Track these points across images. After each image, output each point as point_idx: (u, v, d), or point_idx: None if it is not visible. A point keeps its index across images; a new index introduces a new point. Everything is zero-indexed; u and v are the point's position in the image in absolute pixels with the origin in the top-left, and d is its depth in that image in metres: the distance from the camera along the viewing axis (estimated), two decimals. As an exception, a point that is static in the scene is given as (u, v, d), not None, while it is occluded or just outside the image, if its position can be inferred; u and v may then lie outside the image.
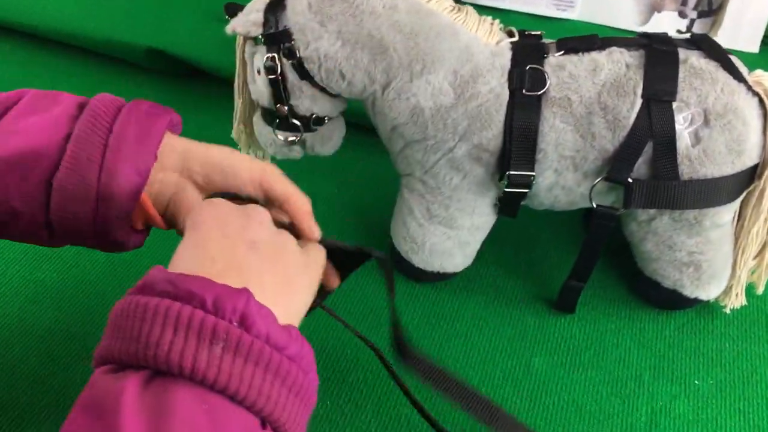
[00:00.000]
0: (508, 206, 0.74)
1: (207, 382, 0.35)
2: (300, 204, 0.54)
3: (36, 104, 0.53)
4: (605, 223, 0.71)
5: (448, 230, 0.76)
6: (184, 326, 0.36)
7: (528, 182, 0.70)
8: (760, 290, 0.77)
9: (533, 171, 0.69)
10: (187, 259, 0.43)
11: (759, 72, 0.70)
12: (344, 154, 0.81)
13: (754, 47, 1.03)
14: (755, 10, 1.02)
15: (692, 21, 1.04)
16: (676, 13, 1.05)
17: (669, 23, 1.05)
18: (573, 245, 0.86)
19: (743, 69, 0.69)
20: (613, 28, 1.07)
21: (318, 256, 0.52)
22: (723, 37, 1.04)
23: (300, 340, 0.40)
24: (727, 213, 0.71)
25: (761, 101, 0.67)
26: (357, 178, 0.96)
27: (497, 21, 0.72)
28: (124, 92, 1.07)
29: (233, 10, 1.05)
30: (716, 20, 1.04)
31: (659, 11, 1.05)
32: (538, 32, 0.73)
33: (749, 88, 0.67)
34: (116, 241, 0.53)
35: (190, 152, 0.55)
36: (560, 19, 1.09)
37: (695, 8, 1.04)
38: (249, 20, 0.68)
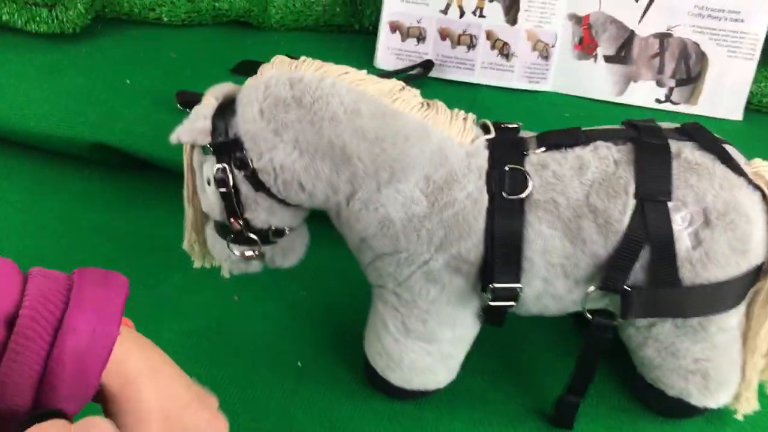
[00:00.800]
0: (493, 318, 0.67)
1: None
2: None
3: None
4: (602, 336, 0.64)
5: (427, 345, 0.68)
6: None
7: (514, 294, 0.62)
8: (773, 391, 0.71)
9: (519, 282, 0.62)
10: None
11: (757, 162, 0.64)
12: (313, 250, 0.73)
13: (737, 114, 0.99)
14: (736, 75, 0.98)
15: (671, 89, 1.00)
16: (654, 82, 1.00)
17: (646, 93, 1.01)
18: (564, 344, 0.79)
19: (740, 158, 0.63)
20: (588, 99, 1.02)
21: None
22: (704, 105, 0.99)
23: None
24: (734, 316, 0.64)
25: (763, 195, 0.61)
26: (328, 277, 0.88)
27: (471, 115, 0.66)
28: (73, 188, 0.99)
29: (185, 98, 0.98)
30: (696, 88, 0.99)
31: (635, 81, 1.00)
32: (515, 124, 0.66)
33: (749, 181, 0.61)
34: None
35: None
36: (533, 92, 1.03)
37: (673, 76, 0.99)
38: (195, 128, 0.61)
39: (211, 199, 0.64)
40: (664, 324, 0.64)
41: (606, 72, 1.01)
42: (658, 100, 1.00)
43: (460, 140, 0.62)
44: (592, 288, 0.63)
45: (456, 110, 0.66)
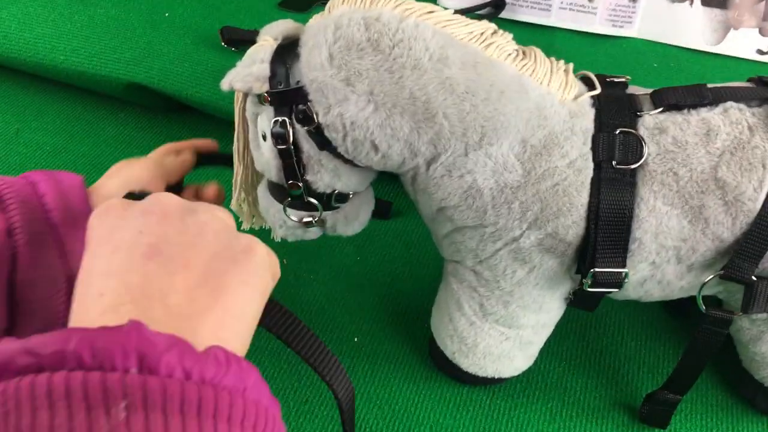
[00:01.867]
0: (585, 302, 0.58)
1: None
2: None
3: None
4: (717, 330, 0.55)
5: (507, 330, 0.60)
6: (62, 398, 0.25)
7: (618, 281, 0.53)
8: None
9: (625, 267, 0.53)
10: (74, 303, 0.31)
11: None
12: None
13: None
14: None
15: (776, 39, 0.88)
16: (757, 30, 0.88)
17: (747, 42, 0.89)
18: (650, 328, 0.71)
19: None
20: (679, 48, 0.90)
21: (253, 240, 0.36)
22: (814, 59, 0.87)
23: (236, 361, 0.29)
24: None
25: None
26: (385, 240, 0.79)
27: (571, 65, 0.55)
28: (106, 132, 0.91)
29: (231, 36, 0.89)
30: (806, 39, 0.87)
31: (736, 28, 0.88)
32: (623, 78, 0.56)
33: None
34: None
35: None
36: (616, 37, 0.92)
37: (780, 24, 0.87)
38: (251, 73, 0.52)
39: (266, 157, 0.55)
40: (787, 319, 0.55)
41: (703, 17, 0.89)
42: (760, 51, 0.88)
43: (562, 97, 0.52)
44: (710, 276, 0.53)
45: (554, 59, 0.55)
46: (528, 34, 0.92)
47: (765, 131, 0.51)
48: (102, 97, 0.95)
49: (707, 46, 0.89)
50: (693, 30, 0.89)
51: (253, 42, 0.56)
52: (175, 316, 0.30)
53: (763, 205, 0.50)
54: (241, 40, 0.88)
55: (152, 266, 0.32)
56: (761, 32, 0.88)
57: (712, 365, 0.67)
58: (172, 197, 0.36)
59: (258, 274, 0.35)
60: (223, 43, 0.87)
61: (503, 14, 0.93)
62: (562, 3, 0.91)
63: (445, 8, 0.91)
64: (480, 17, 0.91)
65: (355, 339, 0.70)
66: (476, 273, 0.57)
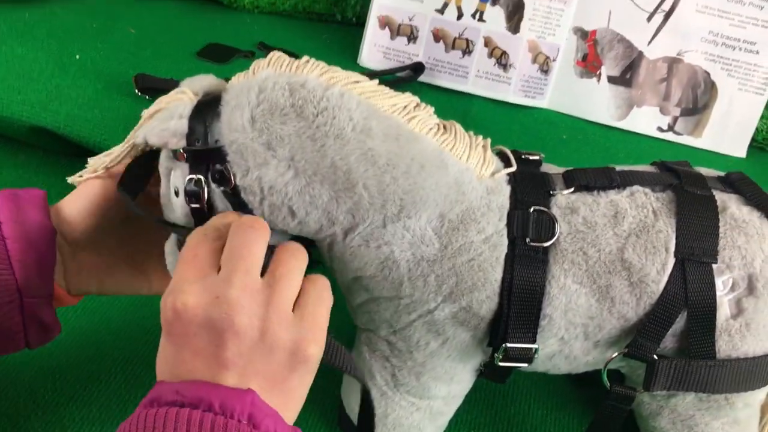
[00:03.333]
0: (496, 375, 0.59)
1: None
2: None
3: None
4: (621, 407, 0.56)
5: (418, 401, 0.60)
6: (197, 428, 0.38)
7: (529, 356, 0.54)
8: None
9: (535, 342, 0.54)
10: (171, 364, 0.43)
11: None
12: None
13: (740, 152, 0.93)
14: (743, 111, 0.92)
15: (675, 118, 0.93)
16: (658, 109, 0.93)
17: (649, 120, 0.94)
18: (557, 397, 0.72)
19: (786, 214, 0.56)
20: (586, 121, 0.95)
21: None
22: (708, 139, 0.93)
23: None
24: (762, 392, 0.58)
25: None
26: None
27: (488, 141, 0.57)
28: (5, 176, 0.87)
29: (146, 83, 0.86)
30: (701, 119, 0.93)
31: (639, 106, 0.93)
32: (537, 155, 0.58)
33: (800, 245, 0.54)
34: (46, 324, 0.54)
35: None
36: (528, 108, 0.95)
37: (678, 105, 0.93)
38: (168, 128, 0.50)
39: (177, 213, 0.53)
40: (686, 395, 0.57)
41: (608, 93, 0.93)
42: (660, 129, 0.94)
43: (480, 173, 0.53)
44: (615, 353, 0.55)
45: (473, 134, 0.57)
46: (446, 99, 0.94)
47: (668, 216, 0.53)
48: (1, 139, 0.90)
49: (612, 121, 0.94)
50: (599, 105, 0.94)
51: (167, 91, 0.54)
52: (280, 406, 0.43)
53: (665, 287, 0.52)
54: (156, 89, 0.85)
55: (264, 352, 0.42)
56: (662, 111, 0.93)
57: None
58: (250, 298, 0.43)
59: (311, 372, 0.45)
60: (137, 91, 0.85)
61: (422, 78, 0.95)
62: (478, 71, 0.94)
63: (365, 67, 0.92)
64: (398, 79, 0.94)
65: None
66: (390, 343, 0.57)
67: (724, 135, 0.93)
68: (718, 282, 0.53)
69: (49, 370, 0.68)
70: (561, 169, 0.57)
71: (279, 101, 0.48)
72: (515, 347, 0.53)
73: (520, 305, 0.52)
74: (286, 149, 0.48)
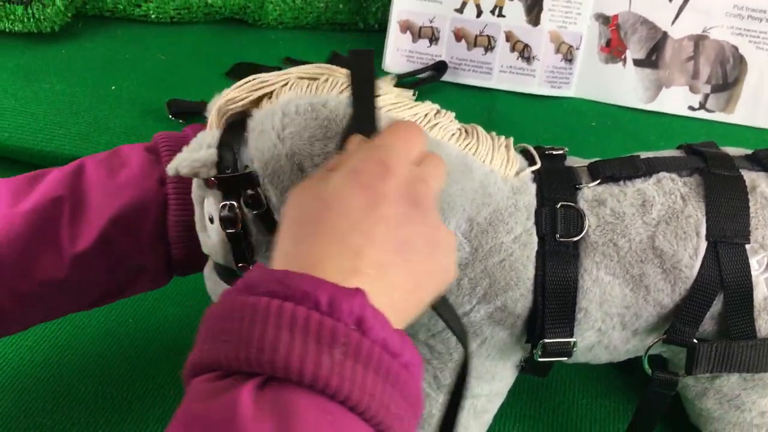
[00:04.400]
0: (537, 370, 0.60)
1: (329, 390, 0.32)
2: None
3: (108, 165, 0.59)
4: (664, 392, 0.57)
5: (462, 400, 0.61)
6: (301, 329, 0.32)
7: (567, 350, 0.55)
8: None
9: (573, 336, 0.54)
10: (292, 254, 0.38)
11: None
12: None
13: (776, 124, 0.92)
14: (776, 83, 0.90)
15: (706, 96, 0.92)
16: (687, 88, 0.92)
17: (679, 100, 0.93)
18: (601, 385, 0.72)
19: (817, 189, 0.56)
20: (615, 106, 0.94)
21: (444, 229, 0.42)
22: (741, 114, 0.92)
23: (411, 347, 0.36)
24: (809, 366, 0.57)
25: None
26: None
27: (510, 140, 0.57)
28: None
29: (179, 108, 0.89)
30: (732, 95, 0.92)
31: (667, 86, 0.93)
32: (561, 150, 0.58)
33: (832, 216, 0.54)
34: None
35: None
36: (555, 98, 0.95)
37: (708, 82, 0.92)
38: (198, 159, 0.52)
39: (213, 240, 0.55)
40: (730, 376, 0.57)
41: (635, 77, 0.93)
42: (691, 108, 0.93)
43: (505, 173, 0.54)
44: (654, 340, 0.55)
45: (495, 135, 0.57)
46: (470, 95, 0.95)
47: (697, 200, 0.53)
48: (48, 172, 0.94)
49: (641, 104, 0.93)
50: (627, 89, 0.93)
51: (200, 113, 0.56)
52: (388, 307, 0.35)
53: (699, 272, 0.52)
54: (188, 112, 0.88)
55: (396, 258, 0.38)
56: (691, 90, 0.92)
57: (662, 421, 0.68)
58: (400, 156, 0.40)
59: (444, 272, 0.41)
60: (170, 116, 0.88)
61: (446, 77, 0.96)
62: (502, 66, 0.94)
63: (389, 72, 0.94)
64: (422, 80, 0.95)
65: None
66: (429, 346, 0.58)
67: (758, 108, 0.91)
68: (753, 262, 0.53)
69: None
70: (585, 162, 0.57)
71: (303, 123, 0.50)
72: (553, 342, 0.54)
73: (554, 301, 0.53)
74: (316, 169, 0.50)
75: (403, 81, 0.93)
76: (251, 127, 0.52)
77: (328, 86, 0.52)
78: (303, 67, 0.54)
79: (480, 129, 0.56)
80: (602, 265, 0.53)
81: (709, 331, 0.55)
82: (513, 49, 0.94)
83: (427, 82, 0.95)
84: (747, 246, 0.52)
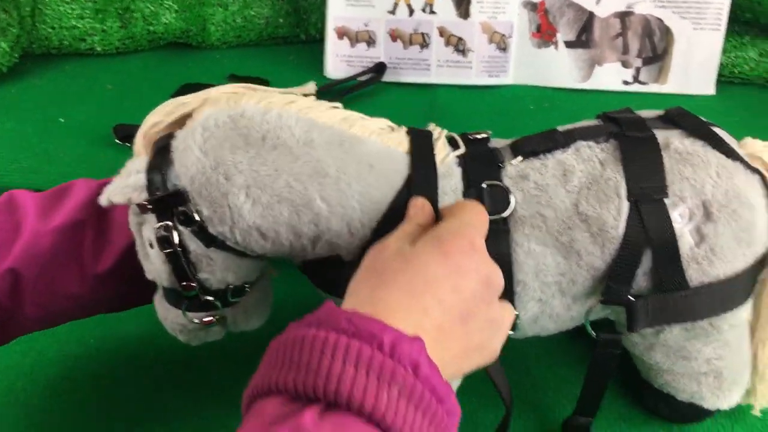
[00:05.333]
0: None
1: (384, 424, 0.35)
2: None
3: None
4: (611, 352, 0.59)
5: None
6: (365, 365, 0.36)
7: (512, 323, 0.57)
8: (789, 377, 0.66)
9: (515, 309, 0.56)
10: (366, 298, 0.43)
11: (749, 141, 0.59)
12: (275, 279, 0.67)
13: (709, 89, 0.95)
14: (704, 48, 0.93)
15: (638, 69, 0.95)
16: (619, 64, 0.95)
17: (612, 75, 0.96)
18: (558, 354, 0.74)
19: (732, 141, 0.58)
20: (552, 88, 0.97)
21: (508, 314, 0.48)
22: (674, 83, 0.95)
23: (454, 397, 0.40)
24: (744, 310, 0.60)
25: (762, 177, 0.56)
26: (292, 310, 0.81)
27: (438, 129, 0.60)
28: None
29: (125, 132, 0.91)
30: (663, 66, 0.95)
31: (600, 64, 0.96)
32: (484, 134, 0.60)
33: (747, 165, 0.56)
34: None
35: None
36: (494, 86, 0.98)
37: (638, 56, 0.95)
38: (128, 185, 0.53)
39: (156, 264, 0.56)
40: (672, 328, 0.59)
41: (568, 58, 0.96)
42: (625, 82, 0.96)
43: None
44: (592, 303, 0.57)
45: (435, 127, 0.60)
46: (411, 93, 0.97)
47: (614, 164, 0.55)
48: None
49: (577, 84, 0.96)
50: (562, 71, 0.96)
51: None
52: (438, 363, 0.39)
53: (625, 231, 0.55)
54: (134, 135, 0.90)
55: (457, 328, 0.43)
56: (624, 65, 0.95)
57: (614, 379, 0.71)
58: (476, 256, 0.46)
59: (498, 346, 0.47)
60: (117, 140, 0.89)
61: (387, 77, 0.98)
62: (439, 61, 0.97)
63: (331, 78, 0.96)
64: (364, 83, 0.97)
65: None
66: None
67: (689, 76, 0.94)
68: (675, 215, 0.55)
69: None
70: (508, 141, 0.59)
71: (223, 134, 0.51)
72: (495, 316, 0.56)
73: None
74: (241, 178, 0.51)
75: (346, 85, 0.96)
76: (175, 146, 0.52)
77: (245, 99, 0.53)
78: (222, 87, 0.56)
79: (404, 128, 0.58)
80: (532, 237, 0.55)
81: (645, 287, 0.57)
82: (447, 44, 0.96)
83: (369, 84, 0.98)
84: (666, 201, 0.55)
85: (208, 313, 0.57)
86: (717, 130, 0.58)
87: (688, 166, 0.55)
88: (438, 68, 0.97)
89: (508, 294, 0.56)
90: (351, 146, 0.53)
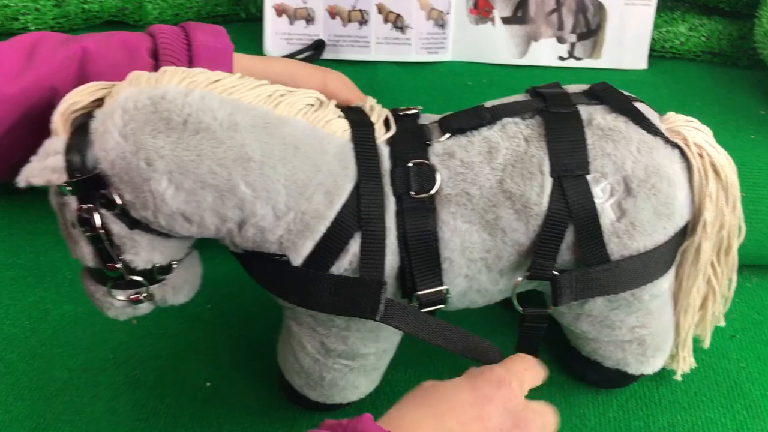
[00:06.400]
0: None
1: None
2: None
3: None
4: (538, 325, 0.60)
5: (351, 362, 0.63)
6: None
7: (442, 298, 0.58)
8: (707, 344, 0.69)
9: (443, 285, 0.57)
10: (402, 418, 0.47)
11: (671, 116, 0.61)
12: (213, 258, 0.67)
13: (641, 63, 0.96)
14: (636, 24, 0.95)
15: (572, 45, 0.96)
16: (555, 39, 0.96)
17: (548, 51, 0.97)
18: (491, 323, 0.76)
19: (653, 115, 0.60)
20: (490, 64, 0.98)
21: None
22: (607, 58, 0.96)
23: None
24: (665, 280, 0.62)
25: (682, 152, 0.58)
26: (233, 286, 0.82)
27: (378, 109, 0.60)
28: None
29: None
30: (597, 41, 0.96)
31: (536, 40, 0.96)
32: (414, 109, 0.61)
33: (666, 140, 0.58)
34: None
35: (251, 69, 0.61)
36: (433, 63, 0.98)
37: (573, 31, 0.96)
38: (46, 167, 0.51)
39: (80, 245, 0.55)
40: (596, 300, 0.61)
41: (505, 34, 0.96)
42: (561, 58, 0.97)
43: (362, 140, 0.56)
44: (519, 278, 0.59)
45: (374, 104, 0.60)
46: (351, 70, 0.95)
47: (539, 140, 0.57)
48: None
49: (514, 60, 0.97)
50: (499, 46, 0.97)
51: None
52: None
53: (549, 207, 0.56)
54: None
55: None
56: (559, 40, 0.96)
57: (544, 348, 0.72)
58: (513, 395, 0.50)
59: None
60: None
61: (327, 55, 0.98)
62: (378, 38, 0.96)
63: (269, 55, 0.94)
64: (303, 60, 0.96)
65: (207, 384, 0.72)
66: (312, 315, 0.60)
67: (623, 51, 0.96)
68: (597, 190, 0.56)
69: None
70: (437, 117, 0.60)
71: (144, 117, 0.50)
72: (426, 293, 0.57)
73: (419, 255, 0.56)
74: (163, 163, 0.50)
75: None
76: (94, 128, 0.51)
77: (166, 78, 0.52)
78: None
79: (334, 102, 0.58)
80: (458, 214, 0.56)
81: (568, 261, 0.58)
82: (386, 21, 0.96)
83: (309, 61, 0.97)
84: (588, 177, 0.56)
85: (134, 291, 0.57)
86: (640, 105, 0.60)
87: (610, 142, 0.56)
88: (377, 45, 0.97)
89: (436, 270, 0.57)
90: (276, 128, 0.53)
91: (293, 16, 0.97)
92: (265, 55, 0.98)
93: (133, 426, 0.68)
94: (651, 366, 0.68)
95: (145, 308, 0.60)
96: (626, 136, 0.57)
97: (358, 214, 0.55)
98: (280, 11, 0.97)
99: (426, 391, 0.50)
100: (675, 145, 0.58)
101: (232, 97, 0.52)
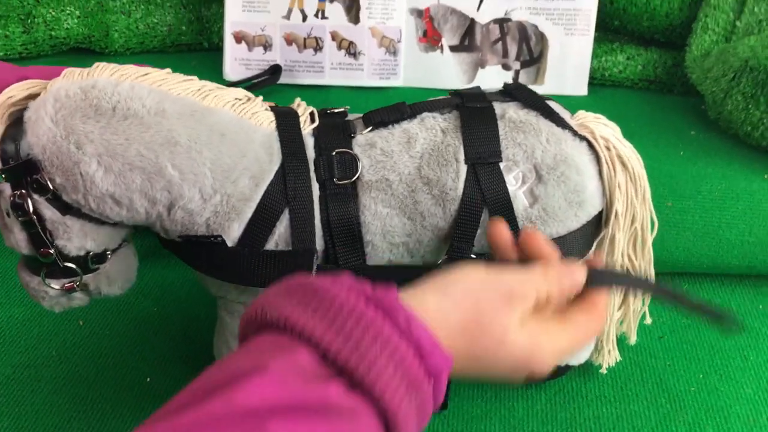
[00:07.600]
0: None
1: (393, 426, 0.36)
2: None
3: None
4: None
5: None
6: (403, 371, 0.37)
7: None
8: (633, 340, 0.71)
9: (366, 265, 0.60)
10: (436, 311, 0.42)
11: (581, 114, 0.65)
12: (162, 264, 0.69)
13: (582, 90, 1.01)
14: (576, 52, 1.00)
15: (517, 72, 1.01)
16: (500, 66, 1.02)
17: (494, 77, 1.02)
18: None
19: (564, 113, 0.64)
20: (439, 90, 1.02)
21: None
22: (550, 84, 1.01)
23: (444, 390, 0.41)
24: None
25: (590, 144, 0.62)
26: (180, 290, 0.84)
27: (304, 105, 0.64)
28: None
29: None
30: (540, 68, 1.01)
31: (482, 67, 1.02)
32: (341, 108, 0.65)
33: (575, 133, 0.62)
34: None
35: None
36: (385, 88, 1.03)
37: (517, 59, 1.01)
38: None
39: (15, 233, 0.57)
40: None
41: (453, 61, 1.02)
42: (506, 84, 1.01)
43: (288, 131, 0.60)
44: (439, 261, 0.62)
45: (299, 102, 0.64)
46: (306, 94, 1.00)
47: (455, 131, 0.60)
48: None
49: (462, 85, 1.02)
50: (448, 73, 1.02)
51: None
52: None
53: (464, 192, 0.59)
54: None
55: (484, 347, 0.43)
56: (504, 67, 1.02)
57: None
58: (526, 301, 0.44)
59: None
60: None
61: (283, 79, 1.02)
62: (332, 64, 1.01)
63: (230, 80, 0.99)
64: (260, 83, 1.01)
65: (148, 379, 0.74)
66: (242, 303, 0.63)
67: (564, 78, 1.01)
68: (509, 178, 0.60)
69: None
70: (361, 115, 0.64)
71: (75, 104, 0.53)
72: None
73: (341, 238, 0.59)
74: (92, 146, 0.53)
75: (242, 86, 0.99)
76: (27, 117, 0.54)
77: (98, 72, 0.56)
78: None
79: (260, 98, 0.62)
80: (379, 200, 0.59)
81: (486, 246, 0.61)
82: (340, 47, 1.01)
83: (266, 85, 1.01)
84: (501, 165, 0.60)
85: (68, 280, 0.59)
86: (551, 103, 0.64)
87: (521, 133, 0.60)
88: (331, 70, 1.02)
89: (359, 254, 0.59)
90: (203, 116, 0.56)
91: (252, 43, 1.03)
92: (225, 79, 1.03)
93: (71, 417, 0.70)
94: (576, 358, 0.70)
95: (80, 298, 0.62)
96: (536, 128, 0.60)
97: (284, 192, 0.58)
98: (239, 38, 1.02)
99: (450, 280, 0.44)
100: (583, 138, 0.62)
101: (162, 89, 0.56)
